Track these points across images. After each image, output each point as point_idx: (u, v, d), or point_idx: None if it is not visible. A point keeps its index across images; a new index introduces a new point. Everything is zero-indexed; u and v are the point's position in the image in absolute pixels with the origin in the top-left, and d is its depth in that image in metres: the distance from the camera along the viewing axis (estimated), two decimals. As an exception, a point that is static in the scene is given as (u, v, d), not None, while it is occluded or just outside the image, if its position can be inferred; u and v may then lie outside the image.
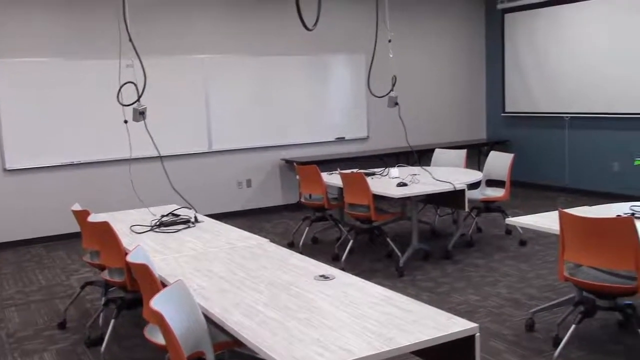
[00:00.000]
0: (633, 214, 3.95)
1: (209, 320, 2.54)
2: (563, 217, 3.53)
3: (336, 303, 2.53)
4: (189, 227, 4.19)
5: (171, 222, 4.27)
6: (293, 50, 8.43)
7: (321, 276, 2.89)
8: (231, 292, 2.76)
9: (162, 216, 4.47)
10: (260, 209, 8.51)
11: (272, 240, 3.76)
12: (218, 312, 2.50)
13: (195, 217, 4.38)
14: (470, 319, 4.30)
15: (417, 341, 2.13)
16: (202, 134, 8.04)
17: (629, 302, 3.66)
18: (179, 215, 4.48)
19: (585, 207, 4.31)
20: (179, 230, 4.11)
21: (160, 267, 3.20)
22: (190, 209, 4.61)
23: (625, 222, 3.30)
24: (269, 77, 8.36)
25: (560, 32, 8.69)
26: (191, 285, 2.86)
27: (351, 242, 5.84)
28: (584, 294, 3.76)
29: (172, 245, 3.72)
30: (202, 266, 3.21)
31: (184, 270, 3.15)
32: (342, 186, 5.88)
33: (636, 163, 6.52)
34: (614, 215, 3.75)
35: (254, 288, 2.80)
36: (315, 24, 2.40)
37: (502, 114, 9.81)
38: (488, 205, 6.48)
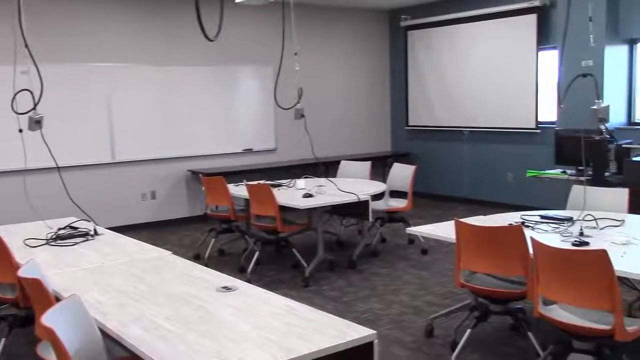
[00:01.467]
0: (523, 223, 4.18)
1: (107, 335, 2.47)
2: (458, 226, 3.69)
3: (238, 314, 2.53)
4: (87, 240, 4.06)
5: (69, 235, 4.12)
6: (200, 61, 8.35)
7: (223, 288, 2.88)
8: (130, 306, 2.69)
9: (59, 229, 4.29)
10: (165, 221, 8.34)
11: (178, 253, 3.70)
12: (115, 327, 2.43)
13: (95, 230, 4.24)
14: (373, 326, 4.42)
15: (317, 349, 2.16)
16: (105, 144, 7.80)
17: (519, 306, 3.86)
18: (77, 228, 4.32)
19: (480, 216, 4.52)
20: (77, 243, 3.97)
21: (55, 282, 3.08)
22: (89, 221, 4.45)
23: (514, 231, 3.50)
24: (175, 87, 8.23)
25: (458, 50, 9.09)
26: (87, 299, 2.77)
27: (257, 253, 5.83)
28: (479, 299, 3.93)
29: (69, 259, 3.58)
30: (101, 280, 3.11)
31: (80, 285, 3.04)
32: (248, 197, 5.87)
33: (529, 175, 6.89)
34: (506, 224, 3.96)
35: (154, 301, 2.74)
36: (217, 34, 2.40)
37: (406, 127, 10.12)
38: (391, 216, 6.66)
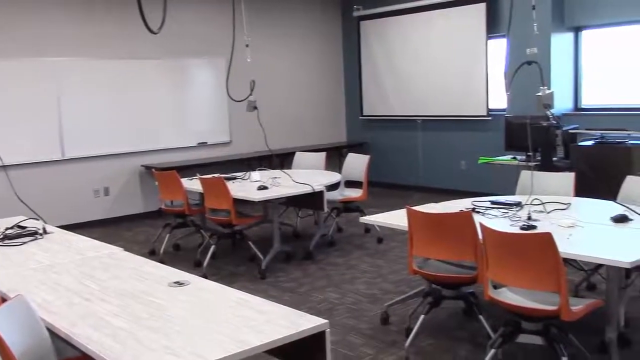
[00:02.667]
0: (474, 209, 4.26)
1: (56, 335, 2.43)
2: (410, 214, 3.74)
3: (189, 309, 2.52)
4: (36, 239, 3.96)
5: (16, 235, 4.02)
6: (150, 54, 8.22)
7: (175, 283, 2.86)
8: (80, 304, 2.65)
9: (7, 229, 4.19)
10: (119, 217, 8.21)
11: (132, 249, 3.65)
12: (64, 326, 2.39)
13: (44, 229, 4.15)
14: (329, 316, 4.45)
15: (268, 340, 2.17)
16: (54, 140, 7.62)
17: (471, 290, 3.94)
18: (26, 227, 4.22)
19: (432, 203, 4.58)
20: (25, 243, 3.88)
21: (1, 283, 3.01)
22: (38, 220, 4.35)
23: (464, 217, 3.56)
24: (126, 81, 8.09)
25: (410, 39, 9.17)
26: (35, 299, 2.71)
27: (213, 247, 5.80)
28: (433, 285, 4.00)
29: (17, 259, 3.50)
30: (49, 279, 3.05)
31: (28, 285, 2.97)
32: (202, 191, 5.83)
33: (480, 161, 7.02)
34: (457, 211, 4.02)
35: (104, 299, 2.71)
36: (160, 27, 2.37)
37: (361, 117, 10.18)
38: (347, 206, 6.70)
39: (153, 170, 7.53)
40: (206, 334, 2.25)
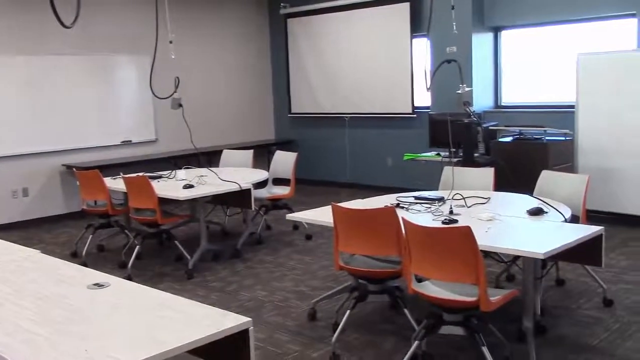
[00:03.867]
0: (398, 204, 4.34)
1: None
2: (335, 210, 3.77)
3: (109, 311, 2.45)
4: (-54, 243, 3.77)
5: None
6: (70, 50, 7.95)
7: (95, 284, 2.78)
8: (-8, 310, 2.54)
9: None
10: (40, 219, 7.92)
11: (54, 252, 3.54)
12: (-26, 334, 2.28)
13: (-45, 232, 3.95)
14: (257, 314, 4.44)
15: (189, 341, 2.14)
16: (-33, 139, 7.27)
17: (397, 284, 4.01)
18: None
19: (358, 200, 4.64)
20: None
21: None
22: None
23: (388, 212, 3.62)
24: (45, 77, 7.80)
25: (337, 37, 9.25)
26: (-57, 307, 2.58)
27: (137, 247, 5.68)
28: (359, 280, 4.05)
29: None
30: (-41, 285, 2.90)
31: None
32: (126, 191, 5.69)
33: (406, 158, 7.17)
34: (381, 206, 4.09)
35: (19, 304, 2.60)
36: (74, 21, 2.29)
37: (289, 115, 10.19)
38: (275, 203, 6.69)
39: (74, 169, 7.30)
40: (125, 336, 2.20)
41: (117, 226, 6.26)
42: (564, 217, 3.79)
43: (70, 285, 2.80)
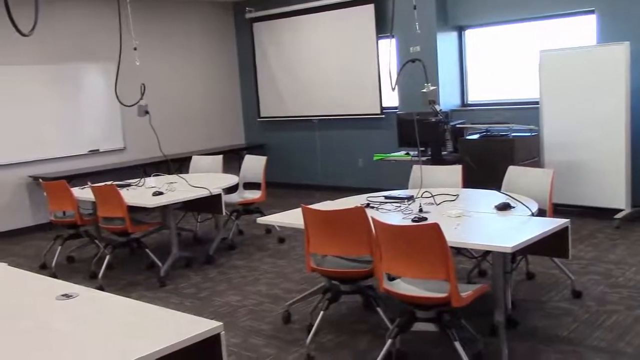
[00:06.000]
0: (368, 204, 4.36)
1: None
2: (305, 212, 3.78)
3: (77, 322, 2.42)
4: None
5: None
6: (33, 59, 7.84)
7: (63, 295, 2.74)
8: (-44, 325, 2.48)
9: None
10: (7, 232, 7.77)
11: (22, 265, 3.48)
12: (-63, 350, 2.23)
13: None
14: (231, 319, 4.42)
15: (159, 348, 2.12)
16: None
17: (369, 284, 4.03)
18: None
19: (328, 201, 4.65)
20: None
21: None
22: None
23: (357, 212, 3.64)
24: (7, 88, 7.67)
25: (303, 40, 9.26)
26: None
27: (108, 257, 5.61)
28: (332, 281, 4.05)
29: None
30: None
31: None
32: (95, 200, 5.62)
33: (375, 158, 7.21)
34: (351, 207, 4.10)
35: (-16, 318, 2.55)
36: (32, 29, 2.26)
37: (258, 119, 10.17)
38: (247, 208, 6.68)
39: (41, 180, 7.18)
40: (93, 345, 2.17)
41: (86, 236, 6.18)
42: (530, 211, 3.84)
43: (36, 297, 2.76)
